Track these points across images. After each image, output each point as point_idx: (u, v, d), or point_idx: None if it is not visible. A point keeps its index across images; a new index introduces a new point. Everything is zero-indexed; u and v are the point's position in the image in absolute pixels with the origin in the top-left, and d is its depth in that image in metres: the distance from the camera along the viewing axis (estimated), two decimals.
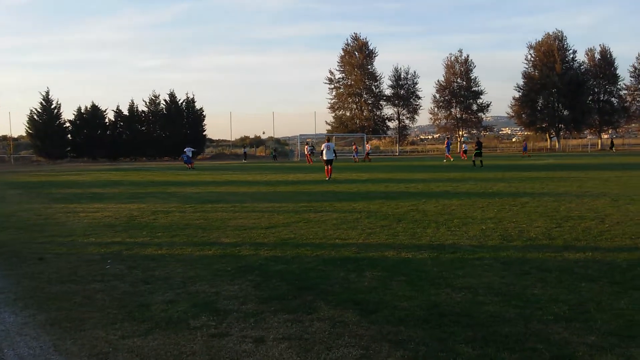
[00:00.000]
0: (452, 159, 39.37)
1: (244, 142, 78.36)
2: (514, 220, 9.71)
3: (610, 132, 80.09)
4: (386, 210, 11.41)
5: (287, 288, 5.52)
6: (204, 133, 63.74)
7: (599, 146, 74.93)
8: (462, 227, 9.11)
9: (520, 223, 9.35)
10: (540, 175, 21.73)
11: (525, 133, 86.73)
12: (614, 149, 65.62)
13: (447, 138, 53.46)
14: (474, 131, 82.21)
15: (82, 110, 57.67)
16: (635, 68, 77.15)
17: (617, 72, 76.24)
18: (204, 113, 62.61)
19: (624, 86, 77.58)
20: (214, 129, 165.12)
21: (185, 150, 36.21)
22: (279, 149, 66.34)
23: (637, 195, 13.31)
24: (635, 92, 77.52)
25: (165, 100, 61.29)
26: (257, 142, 79.19)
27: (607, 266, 6.13)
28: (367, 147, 49.06)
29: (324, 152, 22.14)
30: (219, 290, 5.50)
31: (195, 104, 62.24)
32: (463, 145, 42.18)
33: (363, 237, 8.33)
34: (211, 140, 76.61)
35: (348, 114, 76.50)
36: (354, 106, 76.28)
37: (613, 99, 77.19)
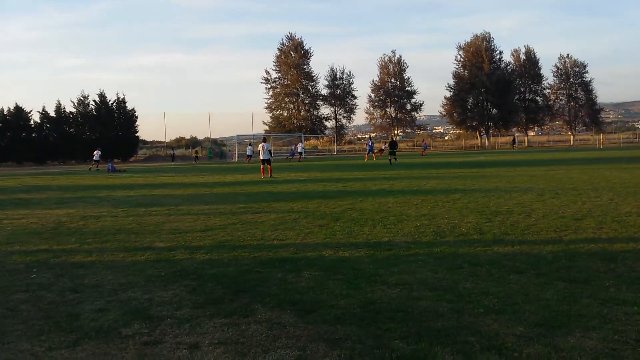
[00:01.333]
0: (375, 158, 40.99)
1: (179, 143, 76.76)
2: (446, 216, 9.99)
3: (514, 130, 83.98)
4: (324, 210, 11.47)
5: (223, 291, 5.43)
6: (136, 134, 61.90)
7: (526, 143, 78.50)
8: (398, 224, 9.28)
9: (453, 219, 9.63)
10: (472, 172, 22.49)
11: (458, 131, 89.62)
12: (515, 146, 69.25)
13: (370, 138, 55.01)
14: (409, 130, 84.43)
15: (5, 112, 54.66)
16: (558, 68, 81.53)
17: (541, 72, 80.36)
18: (136, 114, 60.92)
19: (547, 85, 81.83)
20: (148, 130, 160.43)
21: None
22: (215, 149, 65.37)
23: (561, 189, 14.01)
24: (558, 91, 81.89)
25: (94, 101, 59.18)
26: (194, 142, 77.72)
27: (534, 258, 6.41)
28: (298, 146, 49.16)
29: (260, 152, 22.80)
30: (152, 296, 5.33)
31: (127, 104, 60.48)
32: (383, 145, 43.54)
33: (301, 237, 8.32)
34: (145, 142, 74.55)
35: (285, 113, 76.55)
36: (291, 106, 76.43)
37: (538, 97, 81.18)
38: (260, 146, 23.39)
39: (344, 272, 6.03)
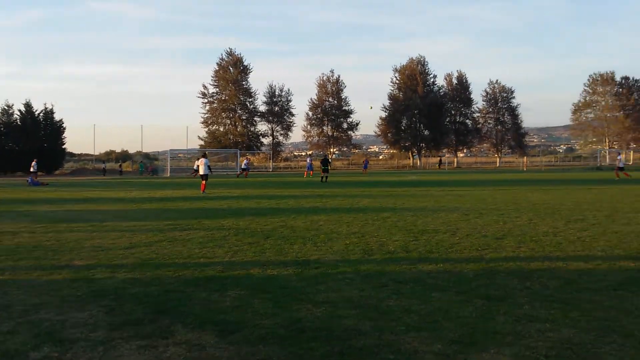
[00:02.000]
0: (312, 175, 41.46)
1: (109, 156, 74.20)
2: (375, 234, 10.14)
3: (444, 151, 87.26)
4: (255, 227, 11.37)
5: (144, 312, 5.23)
6: (62, 146, 59.27)
7: (455, 164, 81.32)
8: (328, 242, 9.32)
9: (381, 237, 9.78)
10: (403, 192, 23.02)
11: (392, 151, 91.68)
12: (442, 167, 72.15)
13: (309, 156, 55.64)
14: (345, 148, 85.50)
15: None
16: (487, 93, 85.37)
17: (471, 96, 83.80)
18: (64, 125, 58.34)
19: (477, 109, 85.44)
20: (78, 142, 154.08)
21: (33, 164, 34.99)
22: (147, 163, 63.62)
23: (485, 209, 14.57)
24: (487, 115, 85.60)
25: (20, 111, 56.24)
26: (124, 156, 75.34)
27: (456, 276, 6.60)
28: (243, 163, 48.88)
29: (200, 167, 23.10)
30: (66, 317, 5.07)
31: (55, 115, 57.82)
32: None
33: (229, 255, 8.19)
34: (72, 154, 71.53)
35: (222, 129, 75.70)
36: (228, 121, 75.70)
37: (468, 120, 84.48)
38: (199, 162, 23.38)
39: (271, 291, 5.98)
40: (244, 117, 75.56)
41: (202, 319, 4.99)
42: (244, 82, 74.79)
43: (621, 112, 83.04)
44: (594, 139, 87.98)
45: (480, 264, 7.36)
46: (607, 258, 7.64)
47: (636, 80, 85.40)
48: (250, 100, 75.74)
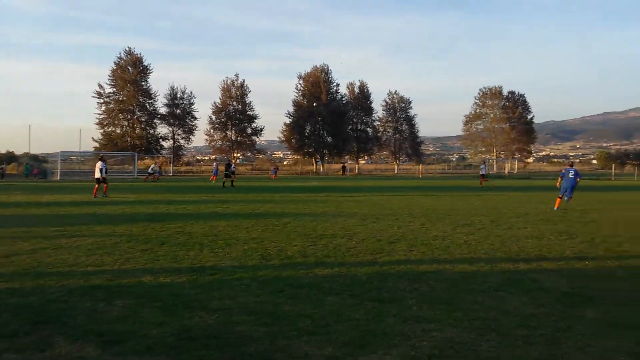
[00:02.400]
0: (215, 180, 40.79)
1: None
2: (274, 239, 10.14)
3: (346, 158, 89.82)
4: (150, 233, 10.96)
5: (20, 323, 4.86)
6: None
7: (356, 171, 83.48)
8: (226, 248, 9.19)
9: (280, 242, 9.80)
10: (305, 197, 23.23)
11: (296, 157, 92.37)
12: (347, 173, 74.29)
13: (215, 161, 54.72)
14: (249, 153, 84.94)
15: None
16: (387, 103, 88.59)
17: (372, 106, 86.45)
18: None
19: (377, 118, 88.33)
20: None
21: None
22: (33, 165, 59.39)
23: (382, 214, 15.05)
24: (386, 124, 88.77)
25: None
26: (9, 157, 69.84)
27: (350, 280, 6.75)
28: (150, 167, 47.13)
29: (96, 170, 22.37)
30: None
31: None
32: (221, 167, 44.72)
33: (120, 263, 7.82)
34: None
35: (119, 131, 72.36)
36: (126, 123, 72.51)
37: (368, 129, 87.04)
38: (96, 165, 22.36)
39: (162, 299, 5.78)
40: (143, 119, 72.75)
41: (85, 329, 4.72)
42: (143, 83, 72.07)
43: (507, 124, 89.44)
44: (483, 149, 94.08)
45: (374, 267, 7.58)
46: (490, 260, 8.17)
47: (520, 95, 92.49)
48: (150, 102, 73.12)
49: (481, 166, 41.43)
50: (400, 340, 4.50)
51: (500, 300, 5.84)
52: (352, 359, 4.07)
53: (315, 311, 5.33)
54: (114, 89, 71.61)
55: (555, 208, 17.39)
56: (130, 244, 9.58)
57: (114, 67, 71.40)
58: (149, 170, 45.55)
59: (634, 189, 32.92)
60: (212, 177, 42.59)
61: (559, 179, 18.43)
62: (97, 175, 22.05)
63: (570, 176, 17.77)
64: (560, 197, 17.76)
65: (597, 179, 57.79)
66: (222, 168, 36.31)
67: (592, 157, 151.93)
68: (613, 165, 72.12)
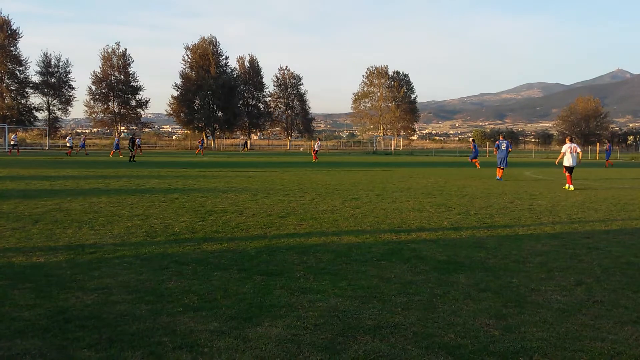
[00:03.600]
0: (121, 156, 38.81)
1: None
2: (161, 216, 9.82)
3: (237, 133, 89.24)
4: (22, 210, 10.14)
5: None
6: None
7: (249, 146, 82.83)
8: (107, 225, 8.74)
9: (167, 218, 9.50)
10: (194, 172, 22.67)
11: (185, 131, 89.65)
12: (246, 149, 74.02)
13: (117, 136, 52.12)
14: (134, 127, 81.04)
15: None
16: (278, 78, 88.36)
17: (263, 81, 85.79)
18: None
19: (269, 93, 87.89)
20: None
21: None
22: None
23: (273, 189, 15.10)
24: (278, 100, 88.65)
25: None
26: None
27: (239, 255, 6.71)
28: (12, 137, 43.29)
29: None
30: None
31: None
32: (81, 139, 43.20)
33: None
34: None
35: None
36: None
37: (260, 104, 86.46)
38: None
39: (35, 280, 5.38)
40: (12, 88, 66.84)
41: None
42: (12, 48, 65.98)
43: (393, 103, 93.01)
44: (371, 126, 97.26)
45: (263, 241, 7.60)
46: (374, 232, 8.50)
47: (405, 75, 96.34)
48: (21, 69, 67.24)
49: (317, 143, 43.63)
50: (286, 311, 4.56)
51: (382, 269, 6.10)
52: (238, 332, 4.06)
53: (202, 287, 5.25)
54: None
55: (499, 178, 19.23)
56: None
57: None
58: (11, 143, 41.91)
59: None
60: (112, 151, 40.77)
61: (495, 150, 20.73)
62: None
63: (503, 148, 20.09)
64: (500, 168, 19.68)
65: None
66: (125, 142, 35.27)
67: (470, 135, 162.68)
68: (487, 143, 77.69)
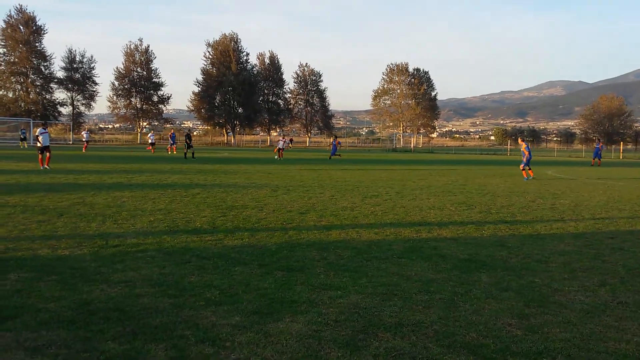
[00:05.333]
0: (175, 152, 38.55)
1: None
2: (183, 210, 9.91)
3: (257, 129, 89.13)
4: (47, 204, 10.32)
5: None
6: None
7: (268, 142, 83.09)
8: (130, 219, 8.86)
9: (189, 213, 9.59)
10: (215, 168, 22.84)
11: (206, 127, 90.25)
12: (290, 145, 73.95)
13: (152, 132, 52.43)
14: (156, 122, 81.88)
15: None
16: (298, 75, 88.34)
17: (283, 77, 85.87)
18: None
19: (288, 90, 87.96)
20: None
21: None
22: None
23: (292, 185, 15.14)
24: (298, 96, 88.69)
25: None
26: None
27: (259, 250, 6.75)
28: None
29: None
30: None
31: None
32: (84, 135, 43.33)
33: (14, 235, 7.32)
34: None
35: (11, 95, 67.08)
36: (19, 87, 67.33)
37: (280, 100, 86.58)
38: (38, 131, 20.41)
39: (60, 272, 5.48)
40: (37, 83, 67.90)
41: None
42: (37, 44, 67.01)
43: (413, 100, 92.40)
44: (391, 124, 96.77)
45: (284, 237, 7.64)
46: (394, 229, 8.48)
47: (425, 72, 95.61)
48: (46, 64, 68.25)
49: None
50: (307, 307, 4.58)
51: (403, 267, 6.09)
52: (259, 327, 4.09)
53: (223, 281, 5.29)
54: (4, 50, 66.04)
55: (530, 177, 20.19)
56: (25, 215, 8.98)
57: (4, 26, 65.72)
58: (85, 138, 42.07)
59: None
60: (168, 147, 40.14)
61: (526, 153, 20.97)
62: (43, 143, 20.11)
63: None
64: (527, 169, 20.54)
65: (494, 154, 61.47)
66: (182, 138, 33.35)
67: (490, 133, 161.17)
68: (509, 141, 76.87)
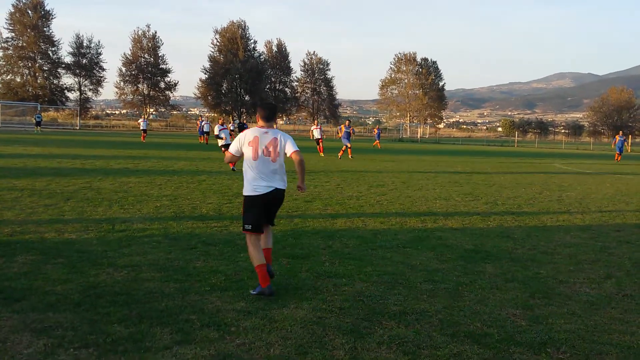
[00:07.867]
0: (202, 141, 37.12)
1: None
2: (189, 197, 9.94)
3: (284, 119, 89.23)
4: (54, 188, 10.38)
5: None
6: None
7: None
8: (137, 204, 8.89)
9: (195, 200, 9.62)
10: (221, 155, 22.83)
11: (212, 114, 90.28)
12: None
13: (203, 118, 51.33)
14: (163, 109, 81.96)
15: None
16: (305, 63, 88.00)
17: (290, 65, 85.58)
18: None
19: (295, 78, 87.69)
20: None
21: None
22: None
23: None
24: (305, 85, 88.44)
25: None
26: None
27: None
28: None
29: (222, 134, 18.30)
30: None
31: None
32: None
33: (21, 218, 7.37)
34: None
35: (19, 79, 67.30)
36: (26, 71, 67.51)
37: (287, 89, 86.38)
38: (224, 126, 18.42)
39: (67, 256, 5.53)
40: (45, 68, 68.04)
41: None
42: (45, 29, 67.03)
43: (420, 90, 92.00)
44: (398, 114, 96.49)
45: (289, 225, 7.65)
46: (400, 219, 8.47)
47: (433, 62, 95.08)
48: (54, 49, 68.31)
49: (376, 129, 43.03)
50: (312, 294, 4.60)
51: (408, 256, 6.09)
52: (264, 312, 4.11)
53: (228, 267, 5.32)
54: (13, 34, 66.13)
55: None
56: (32, 198, 9.04)
57: (12, 10, 65.73)
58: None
59: (535, 156, 35.21)
60: (200, 137, 37.02)
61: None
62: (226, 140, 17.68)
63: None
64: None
65: (501, 145, 61.19)
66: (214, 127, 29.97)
67: (498, 124, 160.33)
68: (516, 132, 76.51)
